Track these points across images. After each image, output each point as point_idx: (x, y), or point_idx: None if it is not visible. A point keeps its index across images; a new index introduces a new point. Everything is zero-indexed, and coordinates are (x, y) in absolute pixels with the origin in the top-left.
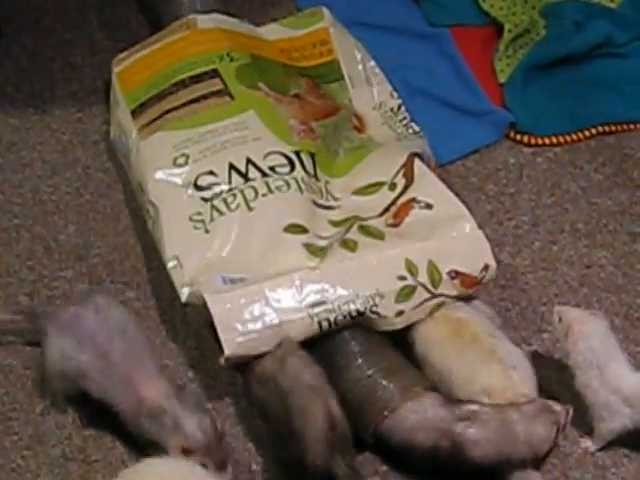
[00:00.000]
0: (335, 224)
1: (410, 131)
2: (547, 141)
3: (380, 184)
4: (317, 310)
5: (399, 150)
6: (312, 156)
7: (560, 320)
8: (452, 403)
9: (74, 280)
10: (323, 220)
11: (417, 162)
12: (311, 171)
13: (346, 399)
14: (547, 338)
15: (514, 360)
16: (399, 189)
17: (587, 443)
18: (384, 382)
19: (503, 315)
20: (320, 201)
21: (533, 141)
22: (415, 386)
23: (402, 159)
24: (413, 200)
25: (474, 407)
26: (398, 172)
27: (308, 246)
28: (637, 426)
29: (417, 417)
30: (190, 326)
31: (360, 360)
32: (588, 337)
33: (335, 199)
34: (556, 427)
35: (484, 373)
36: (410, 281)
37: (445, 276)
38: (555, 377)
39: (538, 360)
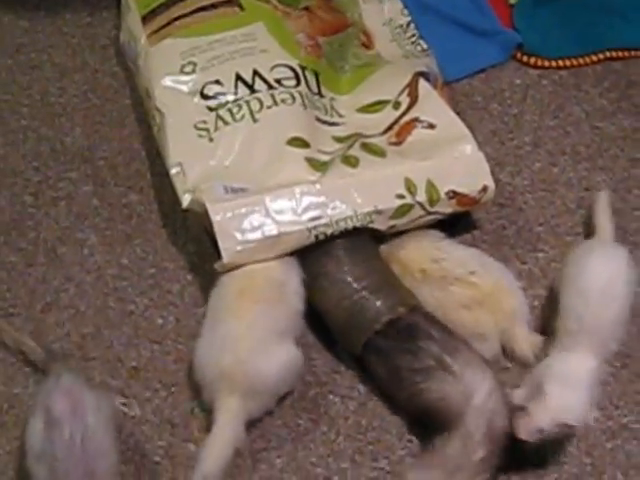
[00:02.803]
0: (339, 140)
1: (418, 49)
2: (553, 64)
3: (385, 102)
4: (315, 224)
5: (405, 69)
6: (316, 74)
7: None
8: None
9: (79, 182)
10: (327, 136)
11: (422, 82)
12: (315, 89)
13: (333, 314)
14: (542, 257)
15: (469, 265)
16: (403, 108)
17: None
18: (370, 300)
19: (499, 233)
20: (324, 117)
21: (540, 63)
22: (400, 306)
23: (407, 78)
24: (416, 119)
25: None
26: (403, 91)
27: (310, 160)
28: None
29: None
30: (190, 231)
31: (345, 271)
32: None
33: (340, 116)
34: None
35: (451, 299)
36: (408, 199)
37: (443, 195)
38: (546, 295)
39: (532, 279)
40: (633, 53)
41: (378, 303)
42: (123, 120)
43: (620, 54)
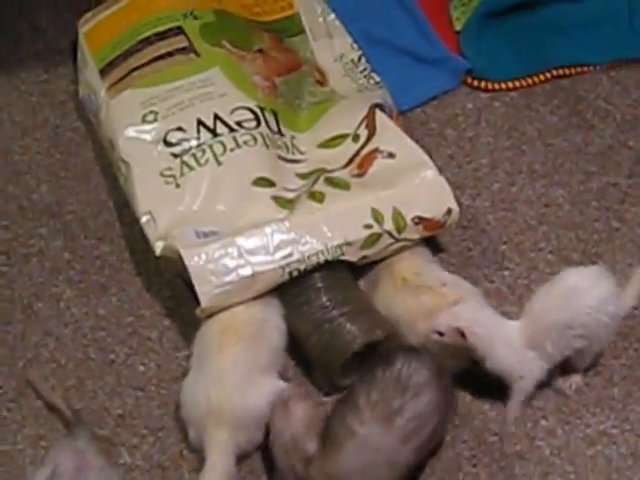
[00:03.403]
0: (302, 177)
1: (371, 82)
2: (503, 86)
3: (344, 136)
4: (288, 261)
5: (361, 102)
6: (275, 114)
7: (442, 334)
8: None
9: (49, 237)
10: (290, 173)
11: (378, 113)
12: (275, 128)
13: (310, 341)
14: (508, 275)
15: (442, 279)
16: (362, 140)
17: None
18: (348, 325)
19: (465, 255)
20: (287, 155)
21: (490, 86)
22: (377, 329)
23: (364, 111)
24: (376, 150)
25: None
26: (361, 124)
27: (276, 198)
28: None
29: None
30: (164, 277)
31: (324, 298)
32: (473, 330)
33: (301, 153)
34: None
35: (419, 306)
36: (376, 229)
37: (409, 222)
38: (517, 312)
39: (500, 297)
40: (579, 70)
41: (356, 326)
42: (88, 173)
43: (567, 71)
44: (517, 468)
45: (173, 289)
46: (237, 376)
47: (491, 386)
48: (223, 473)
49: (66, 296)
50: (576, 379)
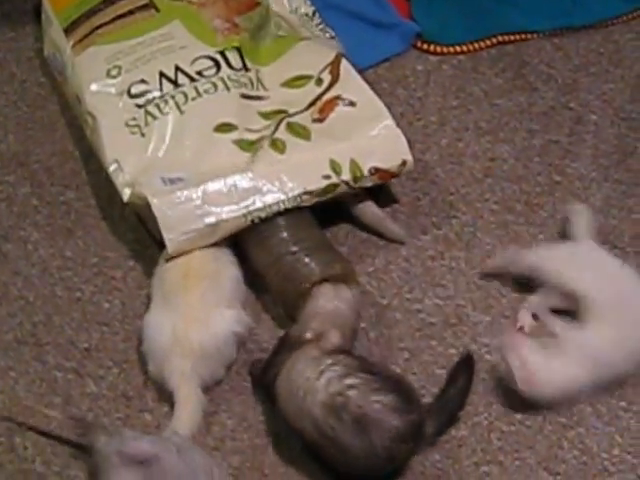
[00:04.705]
0: (264, 116)
1: (327, 35)
2: (451, 50)
3: (307, 77)
4: (250, 209)
5: (327, 47)
6: (238, 50)
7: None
8: None
9: (17, 184)
10: (252, 112)
11: (344, 61)
12: (238, 65)
13: (270, 272)
14: (455, 223)
15: None
16: (325, 85)
17: None
18: (306, 259)
19: (415, 204)
20: (250, 92)
21: (439, 50)
22: (335, 263)
23: (330, 57)
24: (338, 97)
25: None
26: (325, 68)
27: (238, 142)
28: None
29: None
30: (128, 221)
31: (285, 234)
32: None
33: (265, 89)
34: None
35: None
36: (334, 179)
37: (366, 172)
38: (464, 257)
39: (448, 243)
40: (524, 36)
41: (315, 261)
42: (54, 125)
43: (512, 37)
44: None
45: (136, 233)
46: (204, 309)
47: (436, 325)
48: (198, 403)
49: (33, 239)
50: None
